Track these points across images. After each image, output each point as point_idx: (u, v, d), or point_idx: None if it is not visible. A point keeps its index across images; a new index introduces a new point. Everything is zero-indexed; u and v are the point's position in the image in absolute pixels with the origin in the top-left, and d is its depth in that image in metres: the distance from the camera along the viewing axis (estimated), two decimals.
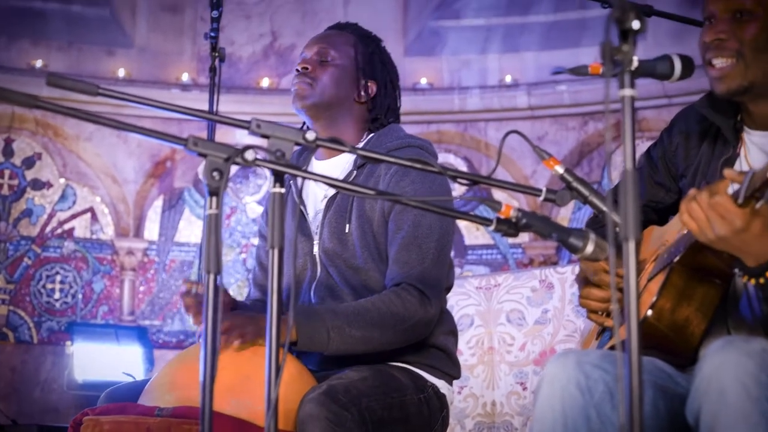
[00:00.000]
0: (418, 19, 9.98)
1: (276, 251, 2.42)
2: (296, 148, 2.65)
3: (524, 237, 9.12)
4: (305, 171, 2.59)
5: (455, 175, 2.66)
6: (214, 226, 2.36)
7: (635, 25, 2.03)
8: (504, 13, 9.97)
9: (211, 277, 2.33)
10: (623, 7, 1.95)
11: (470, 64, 9.75)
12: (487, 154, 9.39)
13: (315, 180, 2.58)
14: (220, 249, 2.35)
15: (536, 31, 9.74)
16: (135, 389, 3.44)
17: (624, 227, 1.94)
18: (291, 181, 3.71)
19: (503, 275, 5.24)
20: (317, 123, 3.68)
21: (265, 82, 9.35)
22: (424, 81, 9.59)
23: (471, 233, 9.26)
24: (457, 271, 8.90)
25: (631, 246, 1.94)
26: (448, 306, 3.81)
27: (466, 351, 5.10)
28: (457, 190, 8.71)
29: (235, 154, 2.39)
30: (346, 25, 3.86)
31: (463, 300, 5.14)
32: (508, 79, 9.53)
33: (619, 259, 2.01)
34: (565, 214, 8.98)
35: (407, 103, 9.26)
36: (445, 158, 9.38)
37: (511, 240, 9.11)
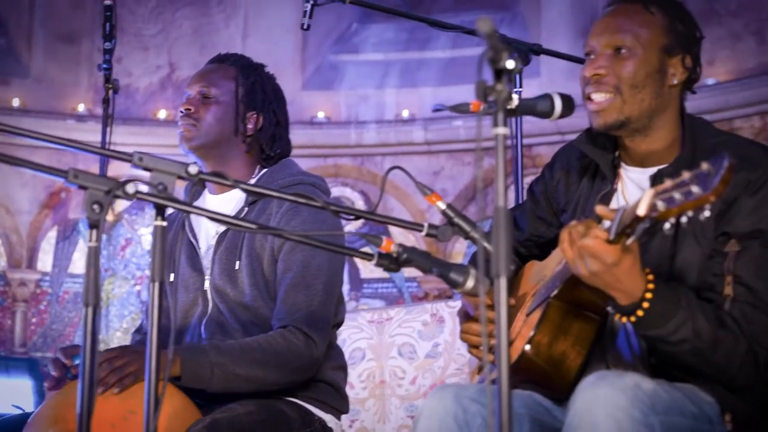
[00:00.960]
0: (317, 53, 10.01)
1: (156, 285, 2.42)
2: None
3: (420, 271, 9.13)
4: (187, 204, 2.59)
5: (338, 210, 2.68)
6: (93, 259, 2.34)
7: (509, 64, 2.05)
8: (402, 48, 10.04)
9: (90, 309, 2.32)
10: (496, 47, 1.98)
11: (368, 98, 9.79)
12: (384, 189, 9.42)
13: (196, 213, 2.57)
14: (99, 282, 2.34)
15: (434, 66, 9.82)
16: (22, 422, 3.39)
17: (495, 264, 1.97)
18: (183, 215, 3.69)
19: (395, 309, 5.26)
20: (207, 162, 3.66)
21: (162, 114, 9.30)
22: (321, 115, 9.61)
23: (366, 267, 9.28)
24: (353, 304, 8.90)
25: (503, 282, 1.97)
26: (340, 340, 3.82)
27: (357, 384, 5.10)
28: (353, 226, 8.72)
29: (116, 187, 2.39)
30: (226, 57, 3.81)
31: (355, 333, 5.15)
32: (405, 113, 9.58)
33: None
34: None
35: (304, 136, 9.39)
36: (342, 192, 9.41)
37: (406, 274, 9.14)
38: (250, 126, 3.71)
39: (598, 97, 2.90)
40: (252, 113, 3.72)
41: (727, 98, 8.77)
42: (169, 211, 2.57)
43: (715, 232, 2.79)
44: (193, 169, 2.51)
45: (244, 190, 2.74)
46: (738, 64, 8.85)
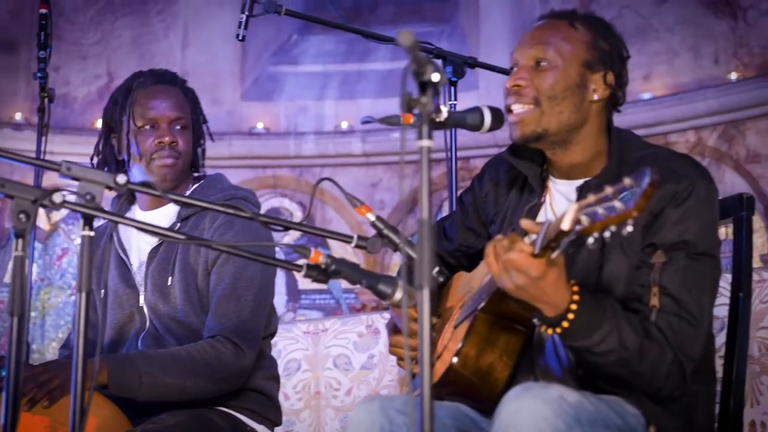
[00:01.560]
0: (257, 64, 10.00)
1: (83, 295, 2.41)
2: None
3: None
4: (115, 214, 2.58)
5: (267, 221, 2.69)
6: (19, 269, 2.33)
7: (434, 77, 2.06)
8: (341, 60, 10.06)
9: (15, 319, 2.30)
10: (419, 60, 1.99)
11: (307, 109, 9.80)
12: (322, 200, 9.43)
13: (123, 224, 2.56)
14: (26, 291, 2.33)
15: (373, 78, 9.85)
16: None
17: (418, 276, 1.98)
18: (113, 231, 3.69)
19: (331, 320, 5.27)
20: (174, 183, 3.69)
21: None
22: (260, 126, 9.60)
23: (305, 278, 9.26)
24: (290, 315, 8.90)
25: (426, 294, 1.98)
26: (275, 351, 3.83)
27: (292, 395, 5.11)
28: (291, 237, 8.71)
29: (43, 196, 2.38)
30: (174, 78, 3.82)
31: (290, 344, 5.15)
32: (344, 125, 9.60)
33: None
34: None
35: (243, 147, 9.38)
36: (281, 203, 9.40)
37: (344, 285, 9.14)
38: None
39: (518, 108, 2.93)
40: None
41: (663, 113, 8.87)
42: (99, 222, 2.56)
43: (642, 243, 2.81)
44: (121, 179, 2.50)
45: (175, 201, 2.74)
46: (674, 79, 8.95)
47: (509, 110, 2.95)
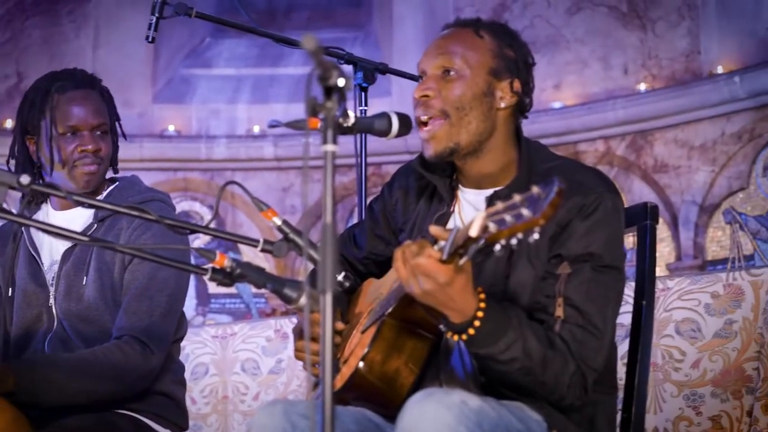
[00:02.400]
0: (169, 66, 9.95)
1: None
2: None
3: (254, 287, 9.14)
4: (19, 216, 2.55)
5: (172, 225, 2.67)
6: None
7: (340, 82, 2.06)
8: (254, 64, 10.04)
9: None
10: (323, 64, 1.99)
11: (219, 113, 9.76)
12: (233, 204, 9.39)
13: (24, 225, 2.54)
14: None
15: (286, 82, 9.83)
16: None
17: (321, 280, 1.98)
18: (20, 229, 3.65)
19: (239, 324, 5.24)
20: (95, 188, 3.67)
21: (9, 123, 9.13)
22: (172, 128, 9.55)
23: (211, 282, 9.22)
24: (200, 319, 8.84)
25: (328, 298, 1.98)
26: (183, 354, 3.80)
27: (200, 400, 5.07)
28: (202, 241, 8.67)
29: None
30: (92, 81, 3.78)
31: (198, 348, 5.12)
32: (256, 129, 9.58)
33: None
34: None
35: (154, 150, 9.31)
36: (191, 206, 9.35)
37: (254, 289, 9.11)
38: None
39: (427, 118, 2.93)
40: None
41: (572, 122, 8.96)
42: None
43: (549, 254, 2.83)
44: (24, 180, 2.48)
45: (79, 203, 2.71)
46: (584, 89, 9.05)
47: (420, 122, 2.95)
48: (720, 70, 8.54)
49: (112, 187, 3.70)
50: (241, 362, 5.07)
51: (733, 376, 4.02)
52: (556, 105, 9.05)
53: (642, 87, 8.88)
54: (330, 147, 2.06)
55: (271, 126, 2.80)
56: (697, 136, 8.63)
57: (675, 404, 4.11)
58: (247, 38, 9.97)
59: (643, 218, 3.24)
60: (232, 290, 9.23)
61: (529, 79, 3.01)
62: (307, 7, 10.62)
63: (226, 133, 9.66)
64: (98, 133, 3.63)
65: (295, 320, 4.94)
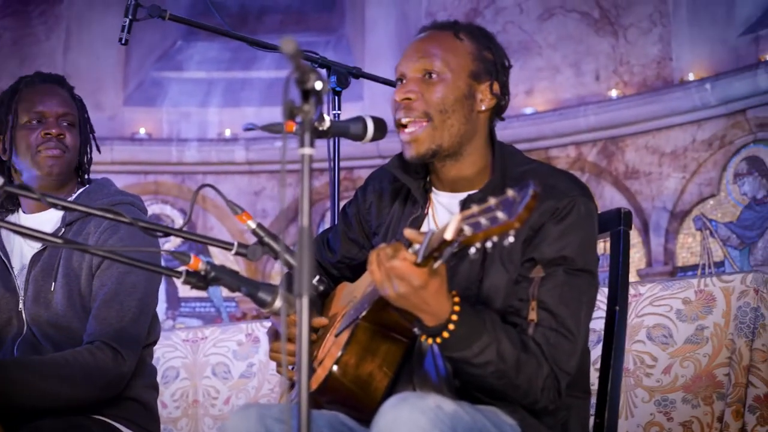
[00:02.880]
0: (140, 68, 9.92)
1: None
2: None
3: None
4: None
5: (146, 227, 2.66)
6: None
7: (317, 85, 2.06)
8: (226, 67, 10.02)
9: None
10: (301, 68, 1.99)
11: (190, 116, 9.74)
12: (204, 207, 9.37)
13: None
14: None
15: (257, 86, 9.82)
16: None
17: (298, 283, 1.97)
18: None
19: (210, 328, 5.22)
20: (60, 178, 3.65)
21: None
22: (143, 131, 9.51)
23: (185, 286, 9.19)
24: (170, 323, 8.81)
25: (305, 302, 1.97)
26: (155, 358, 3.78)
27: (170, 404, 5.05)
28: (172, 244, 8.64)
29: None
30: (62, 80, 3.76)
31: (169, 352, 5.10)
32: (228, 132, 9.55)
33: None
34: None
35: (125, 152, 9.27)
36: (162, 209, 9.32)
37: (225, 293, 9.09)
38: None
39: (410, 123, 2.92)
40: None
41: (544, 127, 8.99)
42: None
43: (522, 257, 2.83)
44: None
45: (53, 205, 2.69)
46: (556, 95, 9.08)
47: (400, 125, 2.94)
48: (691, 77, 8.59)
49: (81, 190, 3.68)
50: (212, 366, 5.05)
51: (704, 381, 4.03)
52: (528, 111, 9.07)
53: (613, 93, 8.92)
54: (307, 150, 2.05)
55: (247, 129, 2.78)
56: (668, 143, 8.66)
57: (646, 410, 4.12)
58: (219, 41, 9.95)
59: (617, 224, 3.25)
60: (202, 294, 9.19)
61: (506, 81, 3.02)
62: (279, 11, 10.60)
63: (198, 136, 9.63)
64: (64, 123, 3.63)
65: (267, 324, 4.93)
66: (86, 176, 3.74)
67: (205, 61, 10.09)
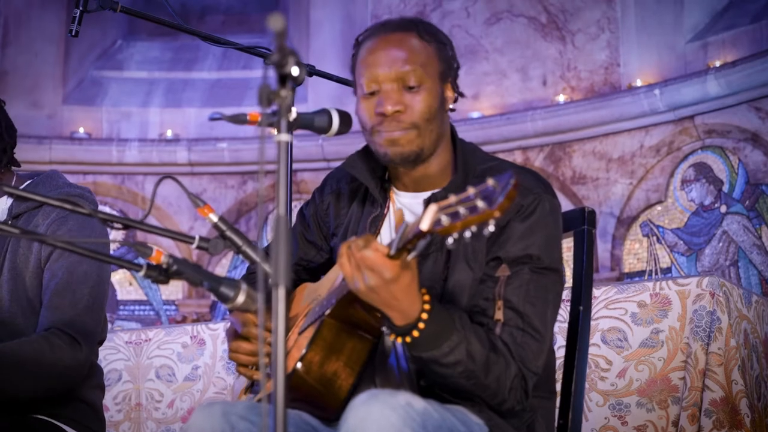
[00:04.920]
0: (79, 67, 9.82)
1: None
2: None
3: (178, 294, 9.05)
4: None
5: (106, 218, 2.60)
6: None
7: (294, 71, 2.00)
8: (167, 67, 9.96)
9: None
10: (284, 49, 1.92)
11: (131, 116, 9.67)
12: (144, 208, 9.30)
13: None
14: None
15: (199, 87, 9.77)
16: None
17: (274, 273, 1.91)
18: None
19: (154, 330, 5.16)
20: None
21: None
22: (82, 130, 9.42)
23: (123, 288, 9.12)
24: (108, 326, 8.72)
25: (281, 292, 1.91)
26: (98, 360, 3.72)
27: (112, 407, 4.98)
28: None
29: None
30: None
31: (111, 354, 5.03)
32: (169, 133, 9.50)
33: (268, 313, 1.98)
34: None
35: (63, 152, 9.16)
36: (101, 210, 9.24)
37: (165, 296, 9.02)
38: None
39: (399, 135, 2.87)
40: None
41: (490, 132, 9.01)
42: None
43: (487, 256, 2.81)
44: None
45: (9, 194, 2.61)
46: (502, 99, 9.09)
47: (381, 131, 2.88)
48: (639, 83, 8.64)
49: (29, 182, 3.62)
50: (156, 369, 4.99)
51: (659, 385, 4.04)
52: (475, 115, 9.09)
53: (561, 98, 8.96)
54: (284, 137, 1.99)
55: (213, 119, 2.72)
56: (615, 149, 8.71)
57: (600, 413, 4.11)
58: (160, 41, 9.90)
59: (580, 223, 3.25)
60: (141, 297, 9.13)
61: (458, 74, 3.00)
62: (220, 11, 10.57)
63: (138, 136, 9.56)
64: None
65: (212, 326, 4.89)
66: (8, 163, 3.64)
67: (146, 61, 10.02)
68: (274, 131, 2.08)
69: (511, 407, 2.75)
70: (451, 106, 2.96)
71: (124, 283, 9.13)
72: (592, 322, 4.16)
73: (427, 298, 2.60)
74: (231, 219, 9.17)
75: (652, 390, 4.05)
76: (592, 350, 4.14)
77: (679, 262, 8.28)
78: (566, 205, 8.78)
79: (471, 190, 2.26)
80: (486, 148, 9.33)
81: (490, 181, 2.24)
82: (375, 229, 2.98)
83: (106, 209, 9.27)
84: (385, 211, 3.00)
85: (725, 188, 8.21)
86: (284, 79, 2.02)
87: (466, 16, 9.33)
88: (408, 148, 2.87)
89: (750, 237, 8.02)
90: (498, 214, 2.21)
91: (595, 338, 4.16)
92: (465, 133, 8.92)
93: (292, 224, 3.35)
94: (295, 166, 8.76)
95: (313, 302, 2.98)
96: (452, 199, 2.29)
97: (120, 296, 9.15)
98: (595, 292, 4.22)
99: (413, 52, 2.90)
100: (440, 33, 2.99)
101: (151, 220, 9.16)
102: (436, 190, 2.89)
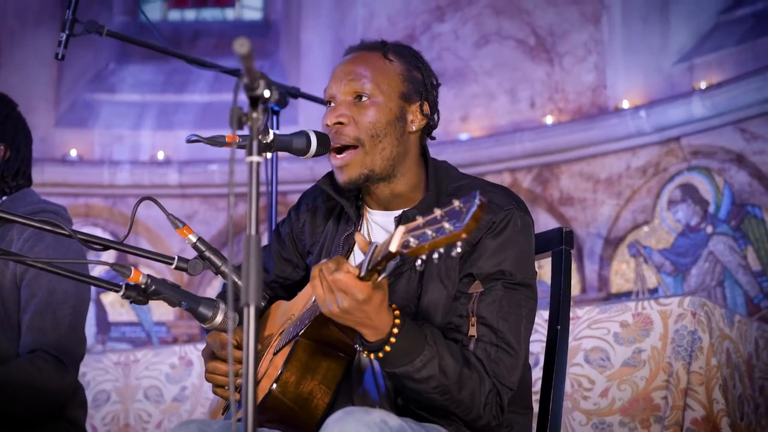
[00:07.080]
0: (72, 89, 9.83)
1: None
2: None
3: (169, 315, 9.05)
4: None
5: (85, 240, 2.61)
6: None
7: (266, 93, 2.03)
8: (159, 90, 9.98)
9: None
10: (252, 72, 1.95)
11: (123, 138, 9.67)
12: (135, 231, 9.29)
13: None
14: None
15: (191, 109, 9.78)
16: None
17: (245, 292, 1.93)
18: None
19: (143, 351, 5.17)
20: None
21: None
22: (74, 153, 9.43)
23: (115, 310, 9.11)
24: (99, 347, 8.71)
25: (252, 312, 1.93)
26: (84, 381, 3.73)
27: (101, 427, 4.99)
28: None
29: None
30: None
31: (100, 375, 5.04)
32: (161, 155, 9.50)
33: (242, 330, 2.00)
34: None
35: (55, 174, 9.17)
36: (93, 232, 9.20)
37: (155, 318, 9.02)
38: None
39: (339, 146, 2.89)
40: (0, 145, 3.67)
41: (479, 153, 9.02)
42: None
43: (460, 273, 2.82)
44: None
45: None
46: (491, 121, 9.11)
47: (332, 151, 2.91)
48: (626, 104, 8.65)
49: (4, 198, 3.64)
50: (144, 390, 5.00)
51: (642, 404, 4.05)
52: (463, 137, 9.10)
53: (548, 120, 8.97)
54: (255, 158, 2.01)
55: (190, 141, 2.75)
56: (602, 170, 8.72)
57: None
58: (152, 64, 9.91)
59: (558, 243, 3.25)
60: (132, 318, 9.12)
61: (435, 99, 3.01)
62: (213, 35, 10.59)
63: (130, 159, 9.57)
64: None
65: (201, 347, 4.89)
66: (12, 187, 3.66)
67: (138, 84, 10.04)
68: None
69: (487, 423, 2.76)
70: (414, 128, 2.95)
71: (115, 305, 9.13)
72: (575, 342, 4.17)
73: (397, 313, 2.61)
74: (222, 240, 9.18)
75: (635, 409, 4.06)
76: (575, 370, 4.16)
77: (666, 283, 8.28)
78: (554, 226, 8.72)
79: (437, 212, 2.27)
80: (475, 170, 9.32)
81: (456, 203, 2.25)
82: (348, 247, 3.00)
83: (98, 231, 9.28)
84: (359, 229, 3.02)
85: (711, 209, 8.23)
86: (255, 101, 2.05)
87: (455, 39, 9.35)
88: (356, 172, 2.89)
89: (736, 257, 8.03)
90: (464, 235, 2.23)
91: (577, 358, 4.17)
92: (454, 155, 8.98)
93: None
94: (284, 187, 8.83)
95: (288, 321, 3.00)
96: (419, 220, 2.30)
97: (111, 318, 9.13)
98: (579, 312, 4.24)
99: (370, 67, 2.93)
100: (413, 57, 3.01)
101: (142, 242, 9.18)
102: (407, 209, 2.92)
